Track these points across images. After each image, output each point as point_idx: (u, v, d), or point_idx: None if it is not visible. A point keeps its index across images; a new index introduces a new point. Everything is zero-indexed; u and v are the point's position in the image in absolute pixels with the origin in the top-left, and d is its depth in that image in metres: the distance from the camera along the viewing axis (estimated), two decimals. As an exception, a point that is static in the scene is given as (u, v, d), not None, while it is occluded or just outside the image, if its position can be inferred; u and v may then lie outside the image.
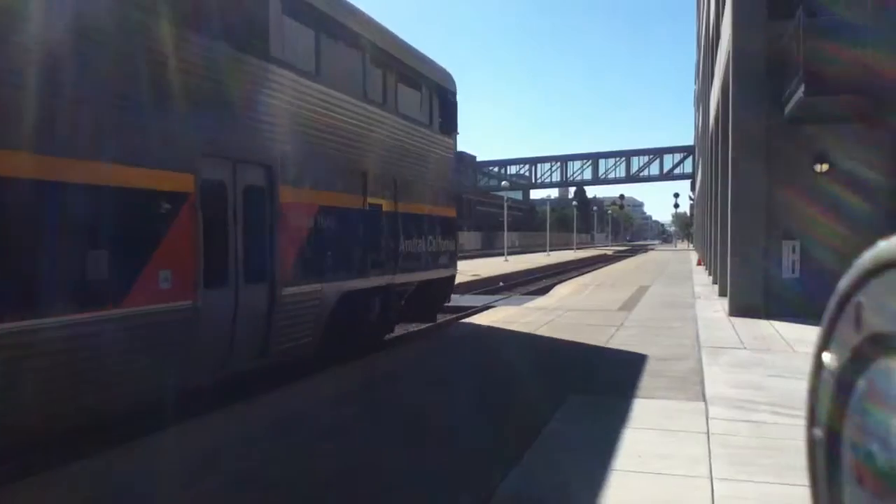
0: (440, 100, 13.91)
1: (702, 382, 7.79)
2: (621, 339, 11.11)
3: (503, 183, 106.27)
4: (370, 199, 10.75)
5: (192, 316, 6.97)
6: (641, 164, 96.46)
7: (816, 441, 0.88)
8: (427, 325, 14.58)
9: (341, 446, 5.65)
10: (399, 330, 13.59)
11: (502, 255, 48.64)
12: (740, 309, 13.85)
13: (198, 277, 7.10)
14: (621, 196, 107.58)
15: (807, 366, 4.62)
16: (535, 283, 30.27)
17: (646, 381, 7.89)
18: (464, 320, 14.93)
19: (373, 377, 8.60)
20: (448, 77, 14.54)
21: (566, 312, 15.06)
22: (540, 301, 18.57)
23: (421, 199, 12.87)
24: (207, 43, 7.50)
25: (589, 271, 35.48)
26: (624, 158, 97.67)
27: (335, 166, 9.95)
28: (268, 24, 8.47)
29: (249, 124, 8.17)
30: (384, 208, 11.23)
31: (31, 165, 5.42)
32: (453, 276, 15.09)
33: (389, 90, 11.73)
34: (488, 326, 13.13)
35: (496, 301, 21.17)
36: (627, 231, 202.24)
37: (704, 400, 6.98)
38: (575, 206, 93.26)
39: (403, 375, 8.79)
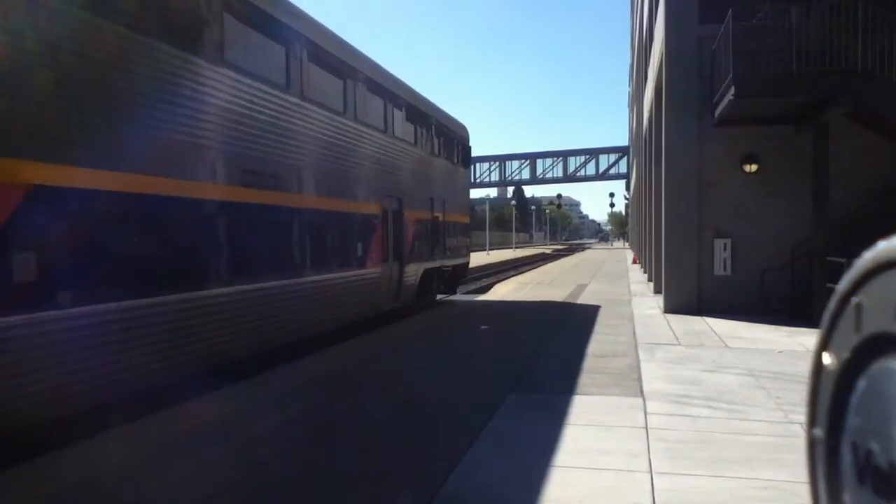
0: (461, 145, 20.33)
1: (639, 378, 7.91)
2: (563, 337, 11.20)
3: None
4: (434, 213, 17.11)
5: (378, 279, 13.40)
6: (578, 164, 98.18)
7: (816, 441, 0.85)
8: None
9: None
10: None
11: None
12: (675, 306, 14.19)
13: (382, 259, 13.57)
14: (559, 195, 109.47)
15: (738, 360, 4.78)
16: (476, 281, 30.37)
17: (585, 378, 7.96)
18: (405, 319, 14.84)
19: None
20: (465, 129, 21.05)
21: (506, 310, 15.13)
22: (481, 300, 18.61)
23: (455, 211, 19.11)
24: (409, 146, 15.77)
25: (528, 270, 35.88)
26: (561, 158, 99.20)
27: (422, 194, 16.41)
28: (416, 128, 16.20)
29: (395, 175, 14.65)
30: (439, 218, 17.51)
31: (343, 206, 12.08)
32: (468, 263, 21.54)
33: (441, 145, 18.34)
34: (425, 326, 13.09)
35: (437, 300, 21.18)
36: (565, 230, 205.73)
37: (642, 395, 7.07)
38: (513, 205, 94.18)
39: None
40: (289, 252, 10.21)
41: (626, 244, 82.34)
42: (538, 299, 18.06)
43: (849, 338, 0.80)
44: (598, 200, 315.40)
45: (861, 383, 0.78)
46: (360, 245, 12.61)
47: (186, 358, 7.83)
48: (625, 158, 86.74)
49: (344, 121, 12.07)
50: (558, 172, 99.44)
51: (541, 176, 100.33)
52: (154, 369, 7.26)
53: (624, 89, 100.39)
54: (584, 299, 17.54)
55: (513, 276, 31.17)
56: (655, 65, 18.45)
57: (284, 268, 10.01)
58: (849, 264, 0.85)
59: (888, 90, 11.24)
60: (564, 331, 11.96)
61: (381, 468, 5.05)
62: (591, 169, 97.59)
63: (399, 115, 14.93)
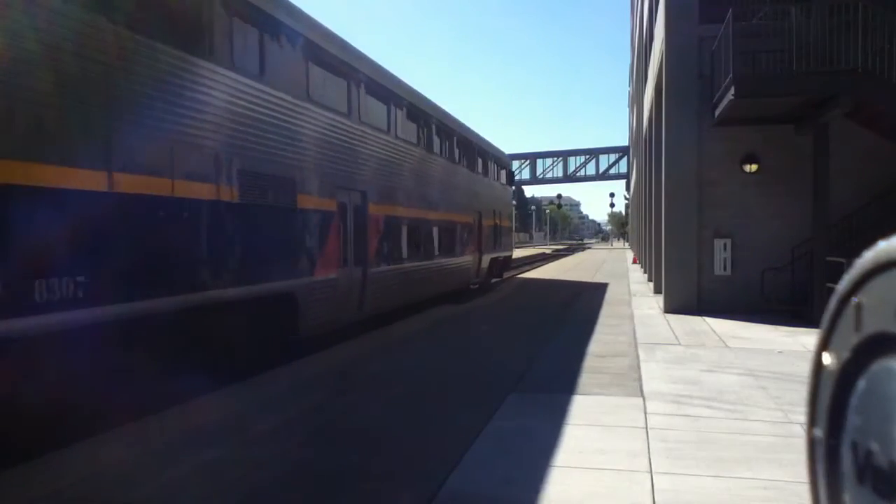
0: (506, 169, 27.89)
1: (639, 378, 7.91)
2: (563, 337, 11.20)
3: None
4: (495, 220, 24.33)
5: (470, 263, 20.94)
6: (578, 164, 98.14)
7: (816, 441, 0.85)
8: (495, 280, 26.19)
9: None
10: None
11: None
12: (674, 306, 14.18)
13: (472, 251, 20.91)
14: (559, 196, 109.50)
15: (738, 360, 4.79)
16: (475, 281, 30.37)
17: (585, 378, 7.96)
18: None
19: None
20: (507, 157, 29.07)
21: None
22: (482, 300, 18.61)
23: (504, 218, 26.59)
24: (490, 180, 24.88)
25: (528, 270, 35.86)
26: (561, 158, 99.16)
27: (489, 207, 23.46)
28: (485, 162, 23.60)
29: (478, 196, 21.88)
30: (497, 223, 24.80)
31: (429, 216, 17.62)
32: (511, 255, 29.99)
33: (496, 171, 25.40)
34: (425, 326, 13.10)
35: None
36: (566, 229, 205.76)
37: (642, 395, 7.07)
38: (513, 205, 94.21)
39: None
40: (437, 245, 17.45)
41: (626, 244, 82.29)
42: (538, 299, 18.05)
43: (849, 338, 0.80)
44: (598, 200, 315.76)
45: (861, 383, 0.78)
46: (462, 242, 19.78)
47: (414, 294, 15.65)
48: (625, 158, 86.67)
49: (458, 168, 19.84)
50: (558, 172, 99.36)
51: (541, 176, 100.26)
52: (421, 291, 16.13)
53: (624, 89, 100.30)
54: (584, 299, 17.54)
55: (514, 275, 31.14)
56: (655, 65, 18.45)
57: (433, 254, 17.06)
58: (849, 264, 0.85)
59: (888, 90, 11.24)
60: (564, 330, 11.96)
61: (380, 468, 5.06)
62: (591, 169, 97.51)
63: (478, 156, 22.39)
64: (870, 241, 0.80)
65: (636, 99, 40.69)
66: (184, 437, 5.80)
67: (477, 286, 22.13)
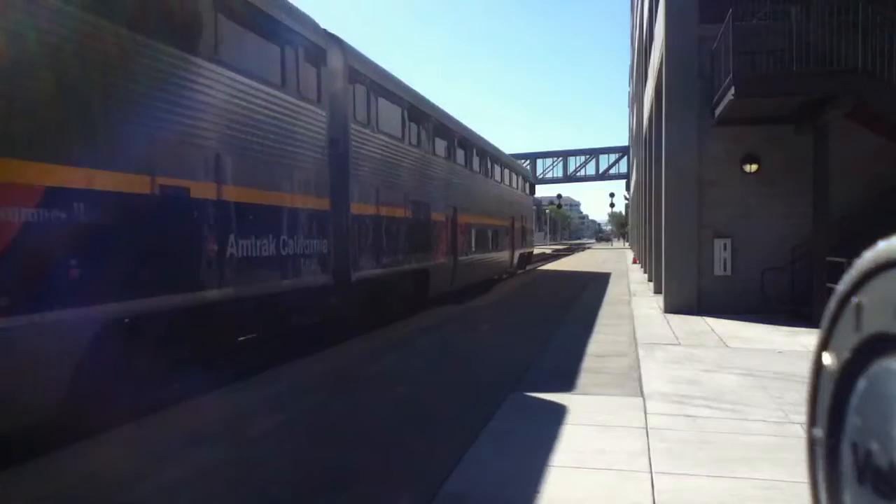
0: (528, 182, 33.68)
1: (639, 378, 7.91)
2: (562, 337, 11.21)
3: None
4: (522, 222, 30.18)
5: (507, 256, 27.22)
6: (578, 164, 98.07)
7: (816, 441, 0.86)
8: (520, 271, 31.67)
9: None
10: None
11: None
12: (674, 306, 14.18)
13: (508, 247, 27.08)
14: (559, 195, 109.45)
15: (739, 360, 4.79)
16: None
17: (585, 378, 7.96)
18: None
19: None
20: (528, 169, 40.57)
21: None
22: (481, 300, 18.62)
23: (528, 220, 32.44)
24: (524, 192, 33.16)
25: (529, 269, 35.81)
26: (561, 158, 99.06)
27: (519, 213, 29.81)
28: (517, 177, 30.74)
29: (513, 204, 28.53)
30: (524, 225, 30.84)
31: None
32: (533, 251, 36.40)
33: (522, 183, 31.08)
34: (425, 325, 13.11)
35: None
36: (566, 230, 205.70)
37: (642, 395, 7.07)
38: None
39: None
40: (490, 242, 23.26)
41: (626, 244, 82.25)
42: (537, 298, 18.03)
43: (849, 338, 0.80)
44: (598, 200, 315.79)
45: (861, 383, 0.78)
46: (503, 240, 25.67)
47: (476, 276, 21.53)
48: (625, 158, 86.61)
49: (502, 185, 26.12)
50: (558, 172, 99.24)
51: (541, 176, 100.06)
52: (481, 275, 22.51)
53: (624, 89, 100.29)
54: (584, 299, 17.54)
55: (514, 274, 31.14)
56: (655, 65, 18.45)
57: (488, 249, 23.15)
58: (849, 264, 0.85)
59: (888, 90, 11.24)
60: (564, 331, 11.96)
61: (381, 468, 5.06)
62: (591, 169, 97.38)
63: (512, 174, 28.53)
64: (870, 241, 0.80)
65: (636, 99, 40.67)
66: (184, 437, 5.80)
67: (507, 277, 27.96)
